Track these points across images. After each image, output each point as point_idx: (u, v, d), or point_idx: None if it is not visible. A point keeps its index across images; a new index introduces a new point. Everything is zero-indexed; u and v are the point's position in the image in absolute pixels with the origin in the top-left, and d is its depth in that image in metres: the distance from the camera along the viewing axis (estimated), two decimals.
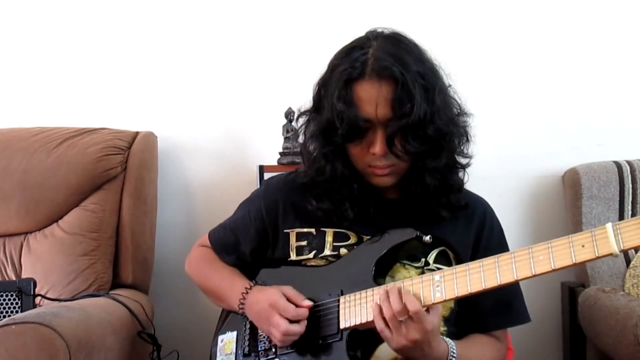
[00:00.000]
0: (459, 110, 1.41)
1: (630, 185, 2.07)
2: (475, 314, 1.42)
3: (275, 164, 2.12)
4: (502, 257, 1.20)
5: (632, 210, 2.07)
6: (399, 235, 1.37)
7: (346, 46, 1.38)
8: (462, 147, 1.40)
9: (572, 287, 2.12)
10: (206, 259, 1.60)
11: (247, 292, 1.42)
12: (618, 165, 2.10)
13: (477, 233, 1.45)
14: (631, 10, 2.24)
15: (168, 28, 2.32)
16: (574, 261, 1.13)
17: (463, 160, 1.42)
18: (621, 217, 2.07)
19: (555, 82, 2.25)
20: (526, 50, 2.25)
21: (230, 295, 1.47)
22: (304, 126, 1.44)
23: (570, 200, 2.14)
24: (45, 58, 2.34)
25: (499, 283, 1.19)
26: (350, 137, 1.33)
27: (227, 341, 1.46)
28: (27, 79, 2.35)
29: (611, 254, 1.11)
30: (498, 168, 2.24)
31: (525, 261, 1.17)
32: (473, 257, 1.43)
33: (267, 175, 2.00)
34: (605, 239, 1.11)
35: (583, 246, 1.13)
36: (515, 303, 1.45)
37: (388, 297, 1.23)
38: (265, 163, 2.14)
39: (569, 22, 2.24)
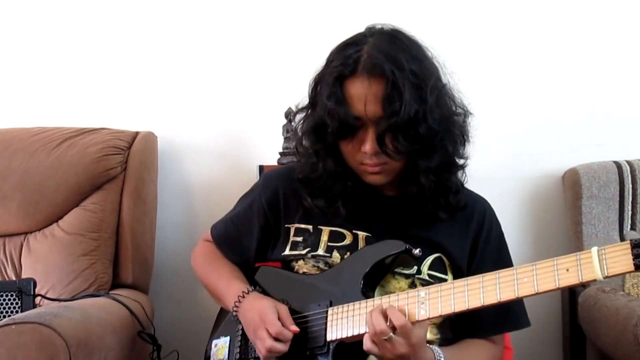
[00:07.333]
0: (457, 110, 1.38)
1: (630, 185, 2.07)
2: (473, 319, 1.39)
3: (275, 164, 2.12)
4: (487, 277, 1.19)
5: (632, 210, 2.07)
6: (388, 248, 1.35)
7: (343, 42, 1.37)
8: (458, 148, 1.38)
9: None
10: (208, 256, 1.58)
11: (243, 296, 1.41)
12: (618, 165, 2.10)
13: (475, 236, 1.43)
14: (631, 10, 2.24)
15: (168, 28, 2.32)
16: (557, 286, 1.13)
17: (460, 161, 1.39)
18: (621, 217, 2.07)
19: (555, 82, 2.25)
20: (526, 50, 2.25)
21: (227, 297, 1.46)
22: (300, 122, 1.43)
23: (570, 200, 2.14)
24: (45, 58, 2.34)
25: (482, 304, 1.18)
26: (341, 134, 1.32)
27: (220, 346, 1.45)
28: (27, 78, 2.34)
29: (595, 280, 1.10)
30: (498, 168, 2.24)
31: (509, 283, 1.16)
32: (470, 263, 1.42)
33: None
34: (590, 264, 1.09)
35: (567, 270, 1.11)
36: (516, 307, 1.41)
37: (372, 317, 1.21)
38: (265, 163, 2.14)
39: (569, 21, 2.24)
